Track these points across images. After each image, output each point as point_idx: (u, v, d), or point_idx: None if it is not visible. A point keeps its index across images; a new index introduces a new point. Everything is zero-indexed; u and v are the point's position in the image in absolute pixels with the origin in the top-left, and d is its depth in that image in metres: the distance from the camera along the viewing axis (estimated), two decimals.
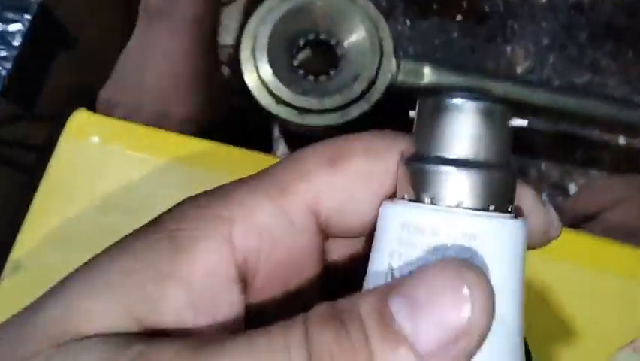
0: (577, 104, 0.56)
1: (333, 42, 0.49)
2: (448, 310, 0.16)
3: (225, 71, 0.58)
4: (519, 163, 0.59)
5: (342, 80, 0.47)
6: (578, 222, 0.52)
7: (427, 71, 0.50)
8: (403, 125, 0.22)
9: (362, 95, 0.47)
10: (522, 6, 0.62)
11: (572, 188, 0.59)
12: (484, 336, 0.17)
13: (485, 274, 0.17)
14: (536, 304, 0.36)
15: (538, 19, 0.62)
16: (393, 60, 0.49)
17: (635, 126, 0.56)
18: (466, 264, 0.17)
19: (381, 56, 0.48)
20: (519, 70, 0.60)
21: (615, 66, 0.60)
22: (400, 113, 0.22)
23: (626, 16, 0.62)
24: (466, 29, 0.61)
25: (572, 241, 0.37)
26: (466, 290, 0.16)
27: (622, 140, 0.60)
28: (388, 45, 0.49)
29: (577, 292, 0.36)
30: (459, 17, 0.61)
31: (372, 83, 0.48)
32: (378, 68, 0.48)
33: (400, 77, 0.49)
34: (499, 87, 0.52)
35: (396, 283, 0.17)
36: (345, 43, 0.49)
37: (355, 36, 0.48)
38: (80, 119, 0.37)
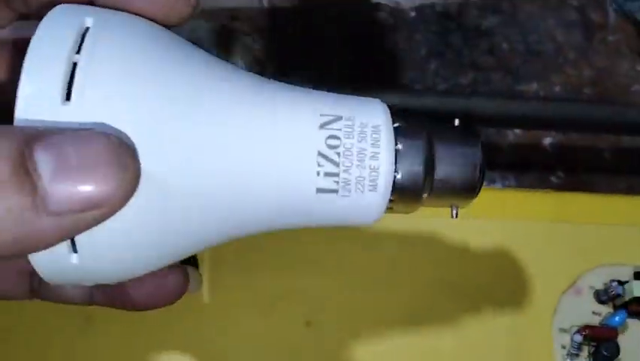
0: (464, 105, 0.57)
1: None
2: (88, 179, 0.16)
3: None
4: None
5: None
6: None
7: None
8: None
9: None
10: (394, 23, 0.63)
11: None
12: (116, 209, 0.17)
13: (134, 153, 0.17)
14: (483, 260, 0.36)
15: (412, 32, 0.63)
16: None
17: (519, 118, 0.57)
18: (122, 143, 0.17)
19: None
20: (404, 81, 0.61)
21: (494, 61, 0.62)
22: None
23: (493, 14, 0.64)
24: (346, 54, 0.61)
25: (503, 197, 0.38)
26: (114, 167, 0.16)
27: (512, 135, 0.61)
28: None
29: (512, 245, 0.36)
30: (337, 44, 0.62)
31: None
32: None
33: None
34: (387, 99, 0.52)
35: (50, 132, 0.16)
36: None
37: None
38: None
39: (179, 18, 0.21)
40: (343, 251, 0.37)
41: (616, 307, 0.35)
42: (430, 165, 0.22)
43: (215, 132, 0.19)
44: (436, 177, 0.22)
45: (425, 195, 0.22)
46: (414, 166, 0.21)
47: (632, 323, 0.34)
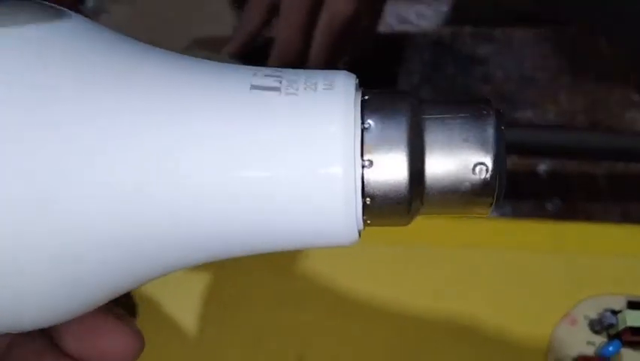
0: None
1: None
2: None
3: None
4: None
5: None
6: None
7: None
8: None
9: None
10: (386, 50, 0.64)
11: None
12: None
13: None
14: (473, 291, 0.36)
15: (405, 60, 0.63)
16: None
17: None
18: None
19: None
20: None
21: (488, 88, 0.62)
22: None
23: (486, 43, 0.65)
24: None
25: (498, 227, 0.38)
26: None
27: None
28: None
29: (507, 275, 0.37)
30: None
31: None
32: None
33: None
34: None
35: None
36: None
37: None
38: None
39: None
40: (334, 284, 0.37)
41: (610, 337, 0.35)
42: (417, 156, 0.16)
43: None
44: (427, 171, 0.16)
45: (416, 202, 0.16)
46: (391, 153, 0.15)
47: (626, 352, 0.34)
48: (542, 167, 0.61)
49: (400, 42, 0.65)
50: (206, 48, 0.63)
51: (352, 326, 0.37)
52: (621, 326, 0.33)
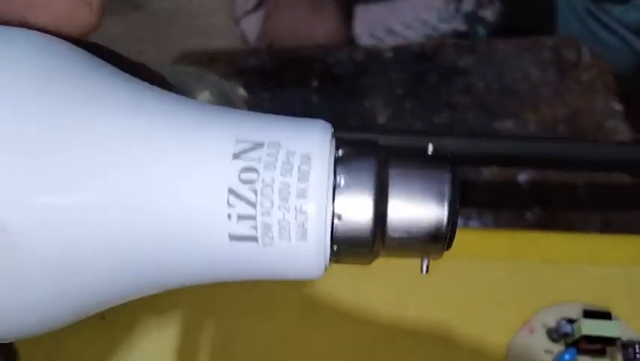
0: (440, 143, 0.58)
1: None
2: None
3: None
4: None
5: None
6: None
7: None
8: None
9: None
10: (371, 63, 0.65)
11: None
12: None
13: None
14: (433, 300, 0.36)
15: (389, 72, 0.64)
16: None
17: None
18: None
19: None
20: (381, 120, 0.62)
21: (469, 99, 0.63)
22: None
23: (468, 54, 0.65)
24: (324, 93, 0.62)
25: (458, 236, 0.39)
26: None
27: (487, 172, 0.62)
28: None
29: (466, 283, 0.37)
30: (315, 83, 0.63)
31: None
32: None
33: None
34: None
35: None
36: None
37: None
38: None
39: (82, 28, 0.20)
40: (301, 293, 0.38)
41: (568, 345, 0.35)
42: (382, 204, 0.17)
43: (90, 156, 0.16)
44: (389, 221, 0.18)
45: (379, 244, 0.18)
46: (359, 206, 0.17)
47: (582, 360, 0.35)
48: (523, 177, 0.61)
49: (382, 54, 0.66)
50: (195, 62, 0.65)
51: (318, 331, 0.38)
52: (577, 335, 0.34)
